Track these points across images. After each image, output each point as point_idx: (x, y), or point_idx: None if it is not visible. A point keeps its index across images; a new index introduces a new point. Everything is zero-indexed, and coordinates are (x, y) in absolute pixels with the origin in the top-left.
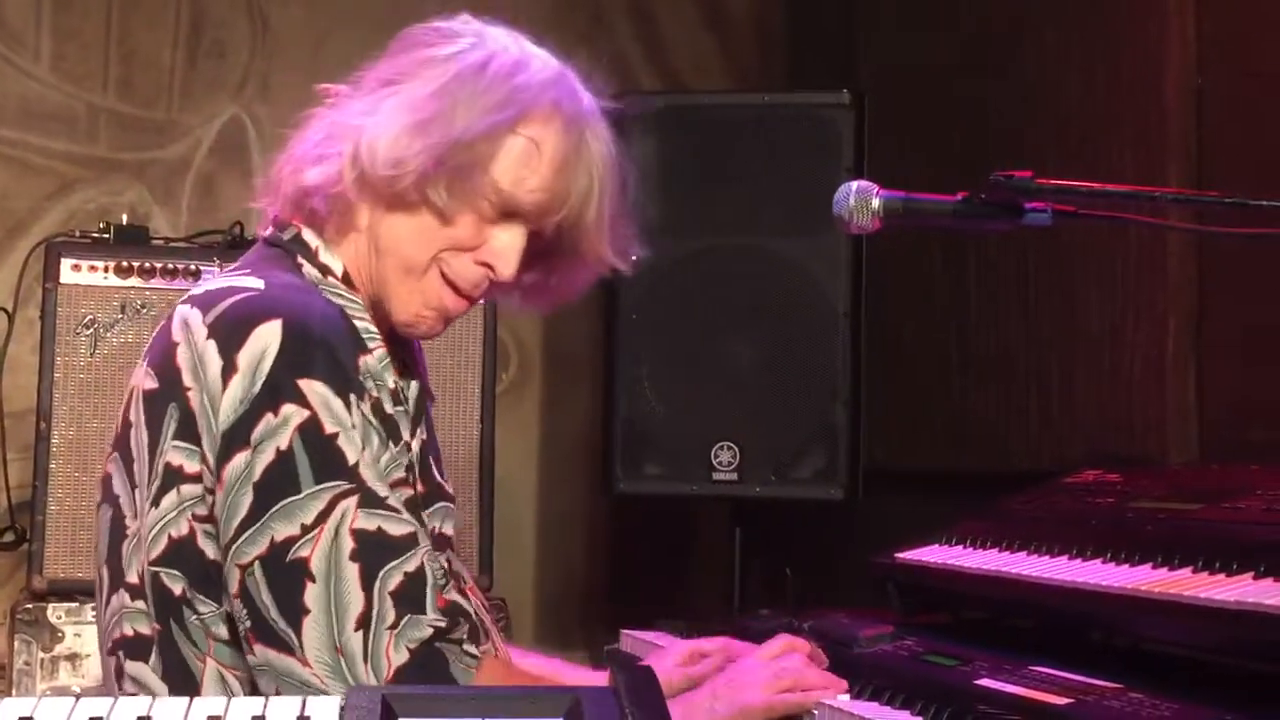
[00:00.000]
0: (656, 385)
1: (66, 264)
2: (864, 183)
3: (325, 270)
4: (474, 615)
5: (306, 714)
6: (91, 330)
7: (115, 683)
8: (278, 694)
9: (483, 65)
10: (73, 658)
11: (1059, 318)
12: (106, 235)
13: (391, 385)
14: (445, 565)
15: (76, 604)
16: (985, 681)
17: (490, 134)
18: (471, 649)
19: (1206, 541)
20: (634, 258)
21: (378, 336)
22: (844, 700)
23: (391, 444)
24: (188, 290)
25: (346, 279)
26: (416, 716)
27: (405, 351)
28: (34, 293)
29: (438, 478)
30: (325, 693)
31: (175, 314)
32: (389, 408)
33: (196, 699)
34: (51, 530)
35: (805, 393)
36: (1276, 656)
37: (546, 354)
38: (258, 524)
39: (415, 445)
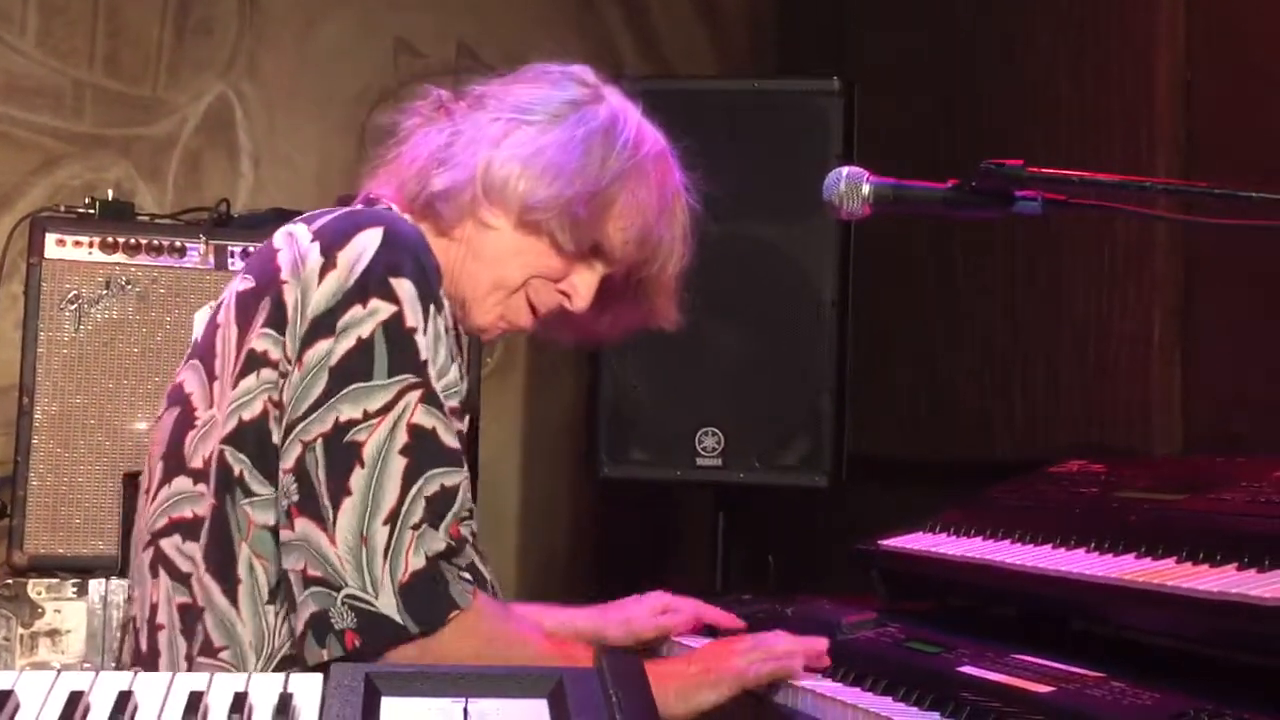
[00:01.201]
0: (642, 370)
1: (51, 239)
2: (855, 169)
3: None
4: (478, 568)
5: (289, 690)
6: (76, 306)
7: (148, 574)
8: (304, 570)
9: (612, 126)
10: (53, 634)
11: (1045, 308)
12: (92, 211)
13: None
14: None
15: (57, 580)
16: (967, 669)
17: (614, 191)
18: (467, 577)
19: (1190, 532)
20: (679, 319)
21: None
22: (826, 685)
23: (455, 367)
24: (172, 267)
25: None
26: (400, 694)
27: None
28: (18, 268)
29: None
30: (341, 575)
31: (278, 233)
32: (452, 347)
33: (178, 675)
34: (33, 506)
35: (791, 379)
36: (1259, 647)
37: (531, 338)
38: (327, 404)
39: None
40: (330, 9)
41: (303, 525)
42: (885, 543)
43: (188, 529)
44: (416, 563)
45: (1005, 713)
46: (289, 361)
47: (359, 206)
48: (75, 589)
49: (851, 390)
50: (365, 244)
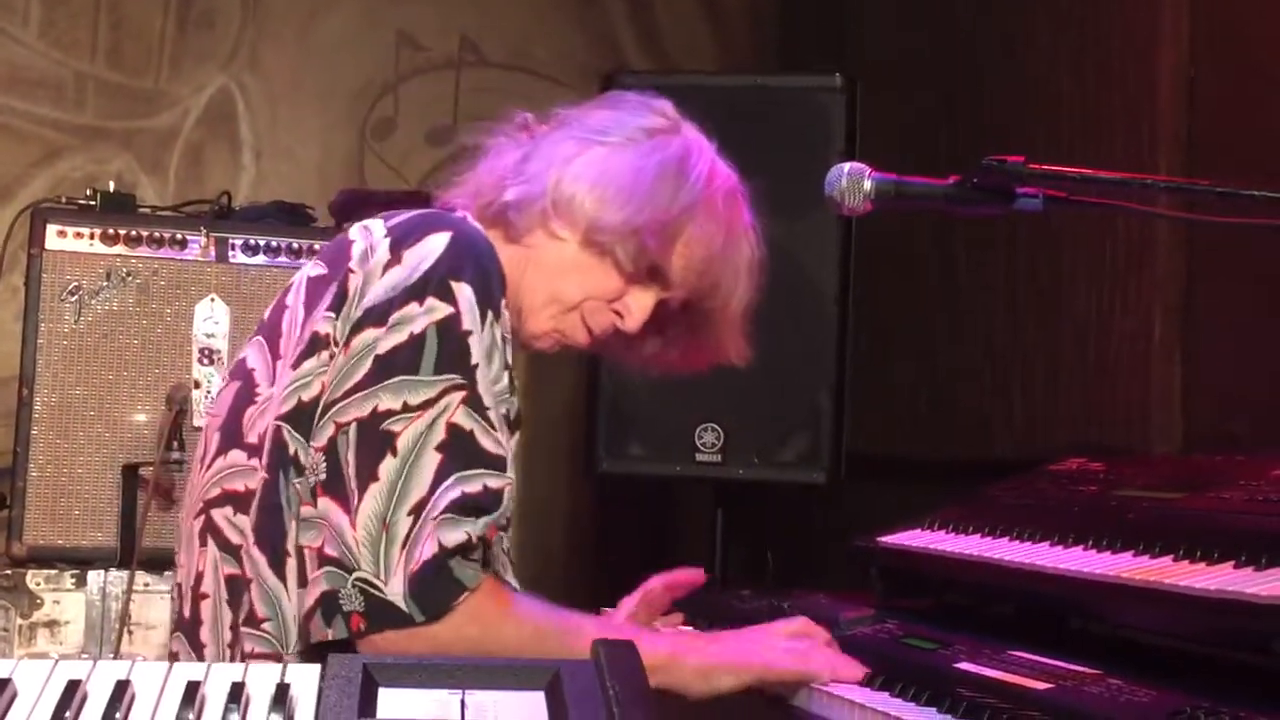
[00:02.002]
0: None
1: (52, 230)
2: (857, 165)
3: None
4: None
5: (286, 681)
6: (76, 297)
7: (196, 542)
8: (320, 548)
9: (686, 158)
10: (51, 624)
11: (1046, 306)
12: (93, 203)
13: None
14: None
15: (56, 571)
16: (965, 665)
17: (683, 222)
18: (476, 560)
19: (1188, 530)
20: (746, 355)
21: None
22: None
23: (507, 376)
24: (173, 259)
25: None
26: (398, 686)
27: None
28: (19, 259)
29: None
30: (355, 558)
31: (355, 226)
32: (510, 359)
33: (176, 664)
34: (32, 497)
35: (791, 376)
36: (1255, 645)
37: None
38: (368, 390)
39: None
40: (332, 2)
41: (325, 504)
42: (884, 539)
43: (240, 501)
44: (429, 550)
45: (1002, 709)
46: (336, 344)
47: (436, 210)
48: (74, 580)
49: (851, 387)
50: (433, 245)
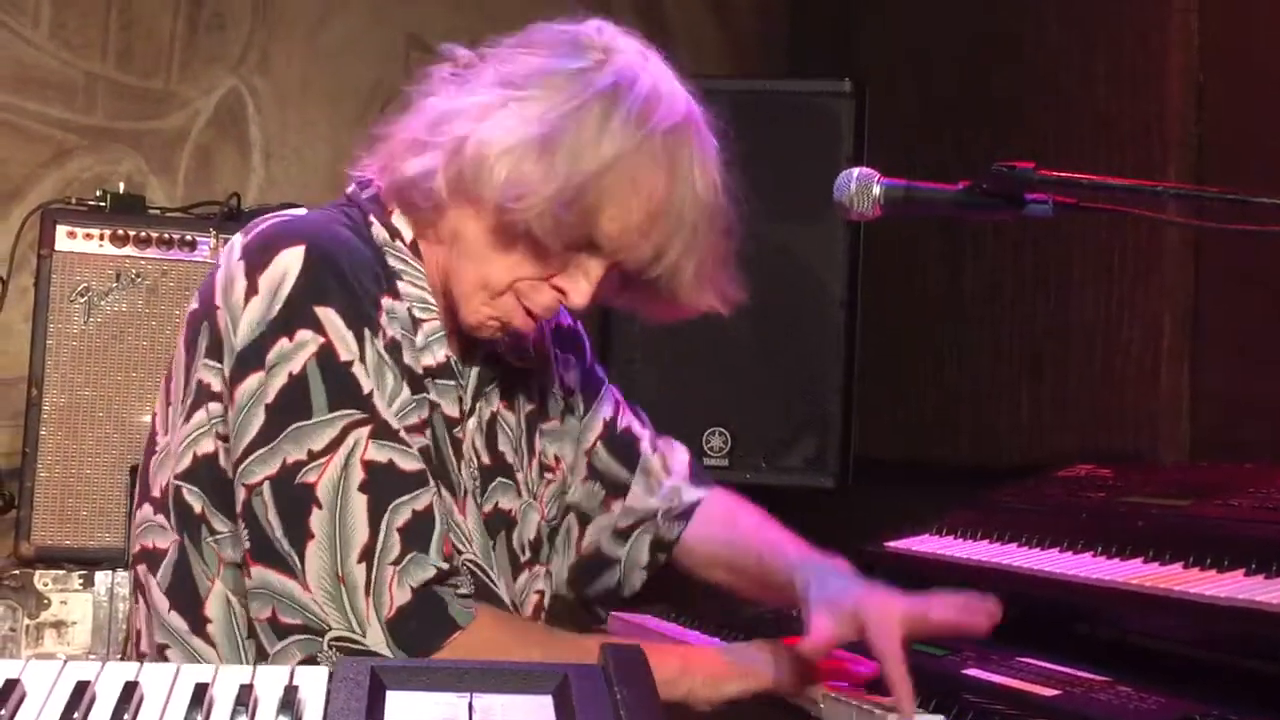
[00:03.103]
0: (649, 368)
1: (62, 231)
2: (866, 170)
3: (395, 233)
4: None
5: (295, 683)
6: (85, 298)
7: (135, 595)
8: (273, 617)
9: (615, 99)
10: (59, 625)
11: (1053, 312)
12: (103, 204)
13: (441, 358)
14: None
15: (63, 571)
16: (973, 671)
17: (609, 179)
18: (466, 593)
19: (1198, 538)
20: (734, 299)
21: (433, 308)
22: (831, 684)
23: (408, 388)
24: (182, 260)
25: (414, 248)
26: (406, 689)
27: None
28: (28, 260)
29: (508, 455)
30: (322, 619)
31: (228, 244)
32: (409, 358)
33: (184, 666)
34: (40, 497)
35: (798, 380)
36: (1265, 652)
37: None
38: (269, 445)
39: (470, 422)
40: (342, 4)
41: (260, 572)
42: (892, 545)
43: (151, 560)
44: (402, 597)
45: (1010, 715)
46: (221, 397)
47: (292, 214)
48: (81, 581)
49: (859, 391)
50: (286, 265)
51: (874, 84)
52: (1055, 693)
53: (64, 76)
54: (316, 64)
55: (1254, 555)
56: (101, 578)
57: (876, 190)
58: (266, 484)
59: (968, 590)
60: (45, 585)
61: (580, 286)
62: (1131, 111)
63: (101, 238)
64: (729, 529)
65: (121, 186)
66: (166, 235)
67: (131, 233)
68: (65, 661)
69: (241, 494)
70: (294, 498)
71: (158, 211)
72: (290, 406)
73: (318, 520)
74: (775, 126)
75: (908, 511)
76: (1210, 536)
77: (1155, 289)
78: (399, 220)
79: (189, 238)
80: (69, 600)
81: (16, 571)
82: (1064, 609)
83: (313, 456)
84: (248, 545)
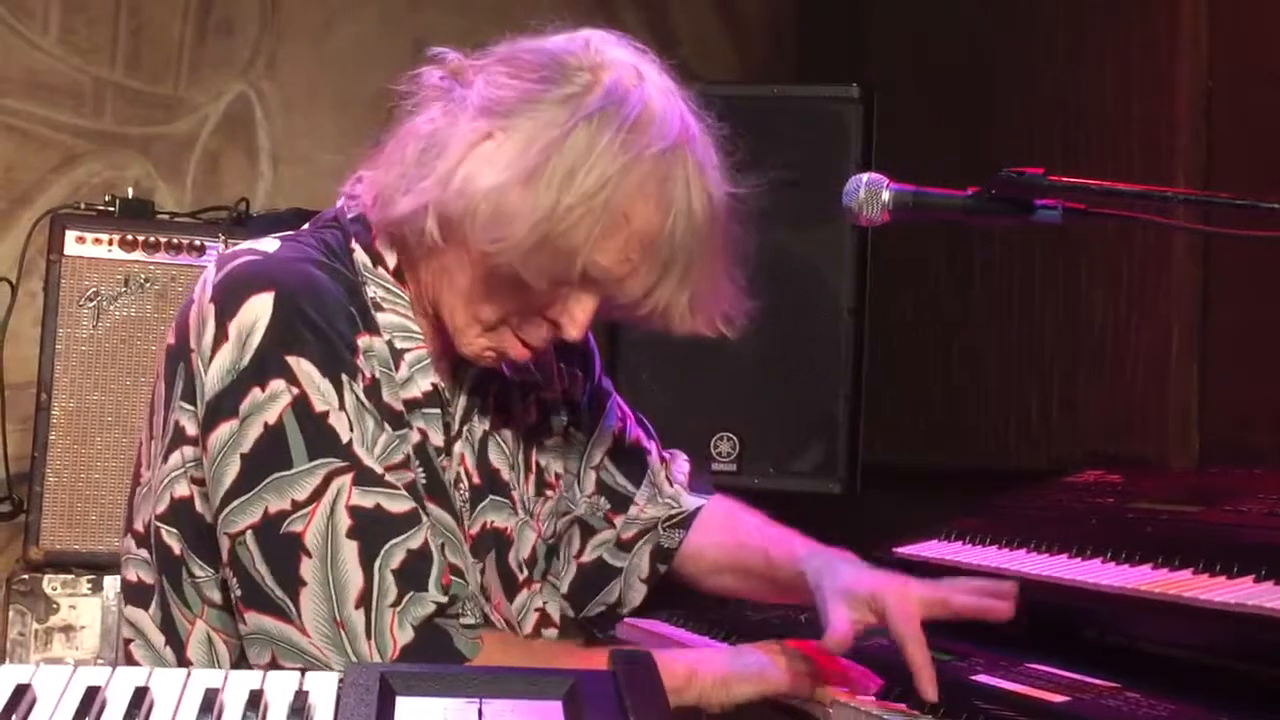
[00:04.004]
0: (657, 374)
1: (71, 236)
2: (875, 175)
3: (378, 259)
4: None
5: (305, 689)
6: (94, 303)
7: (121, 625)
8: (273, 662)
9: (598, 125)
10: (67, 629)
11: (1062, 317)
12: (112, 209)
13: (427, 386)
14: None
15: (72, 576)
16: (982, 678)
17: (593, 216)
18: (470, 622)
19: (1207, 544)
20: (735, 320)
21: (419, 336)
22: (840, 691)
23: (389, 427)
24: (191, 265)
25: (398, 273)
26: (416, 695)
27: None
28: (37, 265)
29: (503, 472)
30: (324, 662)
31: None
32: (389, 395)
33: (195, 670)
34: (49, 502)
35: (806, 385)
36: (1275, 658)
37: None
38: (248, 494)
39: (459, 445)
40: (350, 9)
41: (255, 619)
42: (900, 550)
43: (134, 593)
44: (404, 636)
45: None
46: (196, 442)
47: (264, 252)
48: (90, 585)
49: (867, 397)
50: (257, 312)
51: (883, 89)
52: (1064, 699)
53: (73, 82)
54: (324, 69)
55: (1263, 561)
56: (110, 582)
57: (885, 196)
58: (250, 533)
59: None
60: (54, 590)
61: (574, 320)
62: (1140, 117)
63: (110, 243)
64: (731, 531)
65: (130, 191)
66: (175, 240)
67: (140, 238)
68: (75, 667)
69: (225, 543)
70: (281, 546)
71: (166, 216)
72: (268, 456)
73: (309, 568)
74: (784, 132)
75: (916, 517)
76: (1219, 542)
77: (1164, 294)
78: (383, 245)
79: (197, 242)
80: (78, 605)
81: (25, 576)
82: (1073, 615)
83: (296, 506)
84: (239, 593)
